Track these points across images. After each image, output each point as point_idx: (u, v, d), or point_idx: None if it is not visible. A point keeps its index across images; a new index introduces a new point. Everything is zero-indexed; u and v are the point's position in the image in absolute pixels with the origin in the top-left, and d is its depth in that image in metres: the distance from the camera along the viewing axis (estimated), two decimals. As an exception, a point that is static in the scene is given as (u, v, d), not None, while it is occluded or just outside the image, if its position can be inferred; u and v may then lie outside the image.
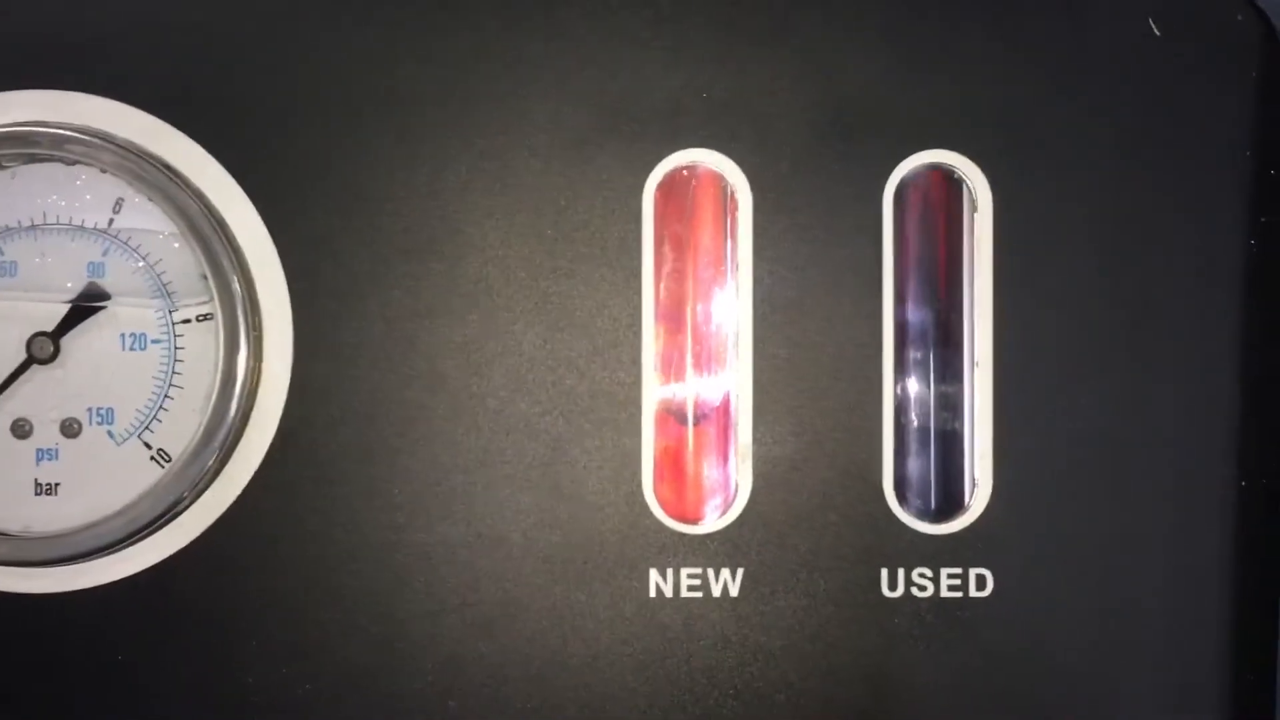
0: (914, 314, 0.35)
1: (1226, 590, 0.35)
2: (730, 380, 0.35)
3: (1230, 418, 0.35)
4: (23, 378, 0.34)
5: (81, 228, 0.35)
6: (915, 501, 0.35)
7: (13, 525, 0.34)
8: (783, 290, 0.35)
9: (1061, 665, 0.34)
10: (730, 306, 0.35)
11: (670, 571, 0.34)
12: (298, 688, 0.34)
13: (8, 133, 0.34)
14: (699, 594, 0.34)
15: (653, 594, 0.34)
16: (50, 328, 0.34)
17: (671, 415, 0.35)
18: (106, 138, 0.34)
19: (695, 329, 0.35)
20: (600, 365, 0.34)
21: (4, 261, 0.34)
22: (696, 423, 0.35)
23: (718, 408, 0.35)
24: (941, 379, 0.35)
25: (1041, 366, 0.34)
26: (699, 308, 0.35)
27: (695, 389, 0.35)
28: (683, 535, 0.34)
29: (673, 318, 0.35)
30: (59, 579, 0.34)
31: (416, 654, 0.34)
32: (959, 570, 0.34)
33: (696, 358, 0.35)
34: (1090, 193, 0.34)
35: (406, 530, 0.34)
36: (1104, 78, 0.35)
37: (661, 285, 0.35)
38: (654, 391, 0.35)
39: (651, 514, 0.34)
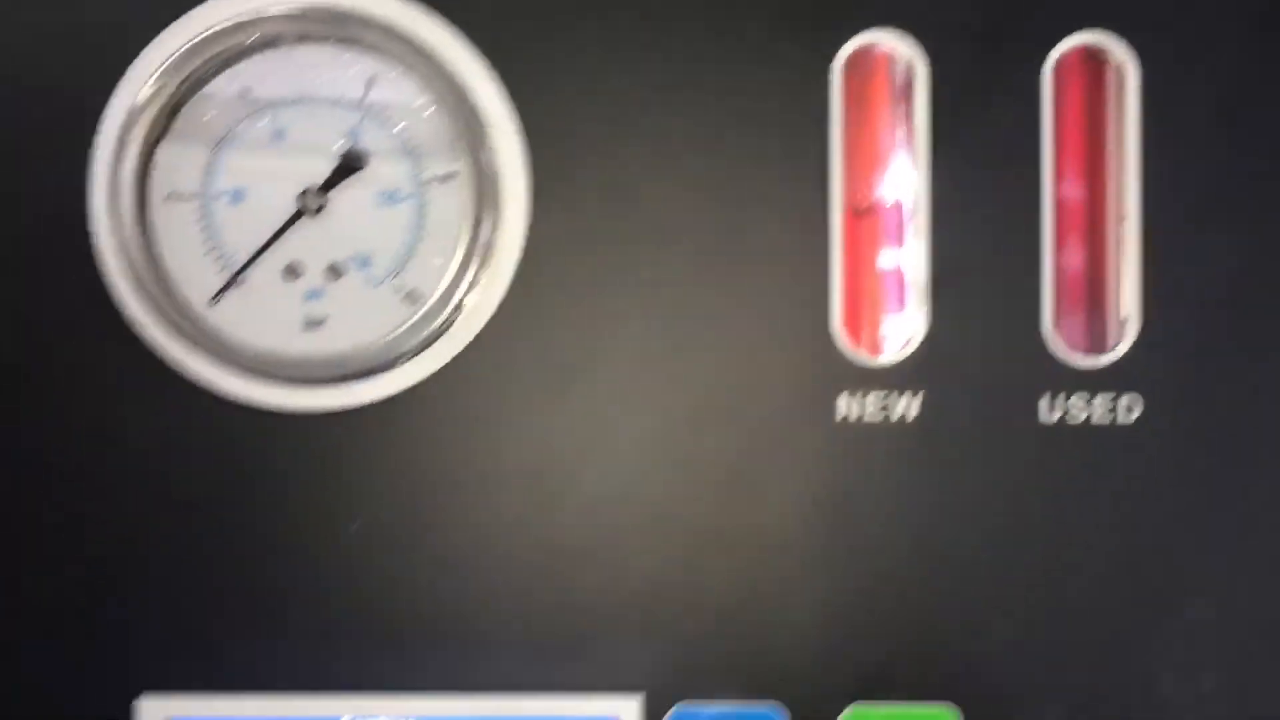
0: (1070, 182, 0.40)
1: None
2: (909, 244, 0.40)
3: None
4: (294, 228, 0.40)
5: (342, 99, 0.40)
6: (1071, 335, 0.40)
7: (289, 352, 0.40)
8: (959, 166, 0.40)
9: (1207, 490, 0.39)
10: (909, 178, 0.40)
11: (857, 397, 0.39)
12: (536, 500, 0.40)
13: (285, 13, 0.39)
14: (880, 419, 0.39)
15: (838, 419, 0.39)
16: (317, 185, 0.40)
17: (858, 259, 0.40)
18: (368, 19, 0.39)
19: (877, 199, 0.40)
20: (783, 229, 0.40)
21: (278, 127, 0.40)
22: (879, 273, 0.40)
23: (895, 260, 0.40)
24: (1096, 233, 0.40)
25: (1188, 223, 0.39)
26: (881, 182, 0.40)
27: (877, 250, 0.40)
28: (867, 365, 0.39)
29: (857, 187, 0.40)
30: (328, 397, 0.39)
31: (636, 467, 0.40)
32: (1112, 394, 0.39)
33: (879, 225, 0.40)
34: (1236, 67, 0.39)
35: (618, 351, 0.40)
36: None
37: (847, 161, 0.40)
38: (840, 254, 0.40)
39: (839, 346, 0.39)
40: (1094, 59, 0.40)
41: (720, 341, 0.39)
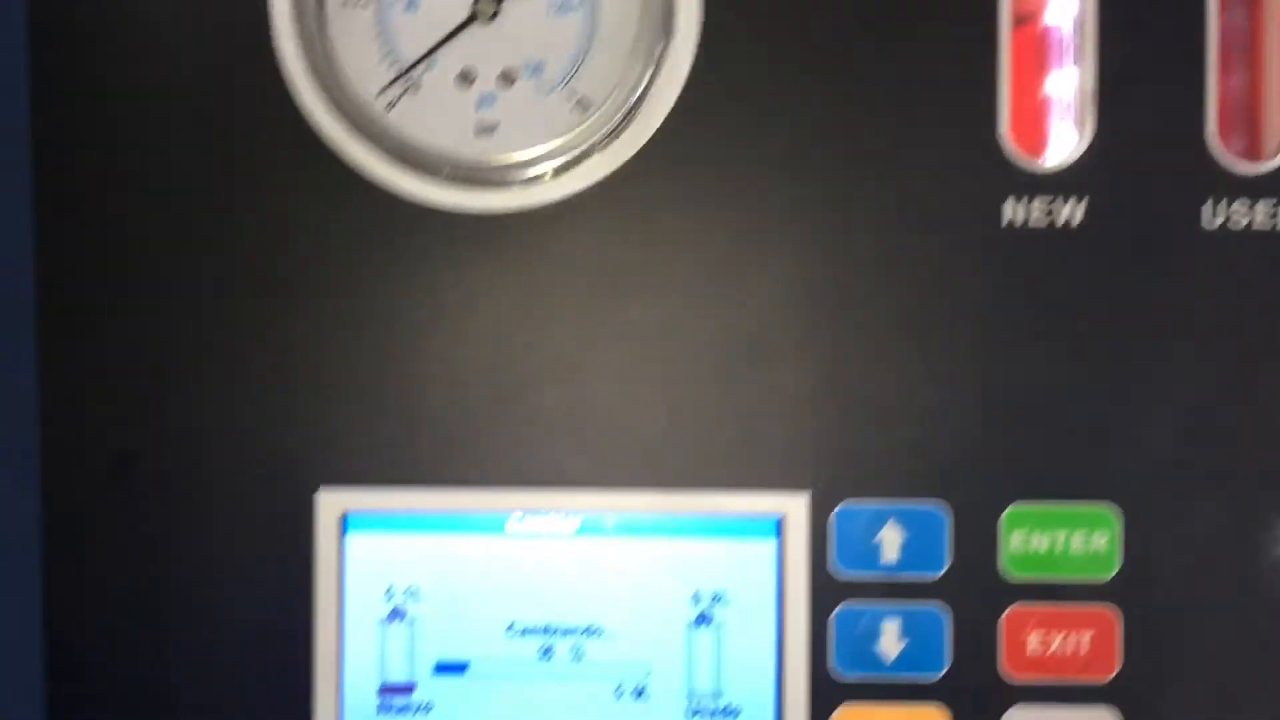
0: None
1: None
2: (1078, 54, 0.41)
3: None
4: (468, 32, 0.40)
5: (516, -90, 0.41)
6: (1235, 143, 0.40)
7: (464, 154, 0.40)
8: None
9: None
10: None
11: (1024, 201, 0.40)
12: (704, 299, 0.40)
13: None
14: (1045, 224, 0.40)
15: (1004, 224, 0.40)
16: (492, -10, 0.40)
17: (1030, 66, 0.41)
18: None
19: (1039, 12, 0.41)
20: (952, 37, 0.40)
21: (453, -65, 0.41)
22: (1053, 82, 0.41)
23: (1071, 64, 0.41)
24: (1258, 47, 0.41)
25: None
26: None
27: (1049, 55, 0.41)
28: (1033, 170, 0.40)
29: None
30: (500, 199, 0.40)
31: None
32: (1275, 199, 0.40)
33: (1046, 30, 0.41)
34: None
35: (794, 173, 0.40)
36: None
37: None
38: (1008, 61, 0.40)
39: (1008, 150, 0.40)
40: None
41: (891, 150, 0.40)
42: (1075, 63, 0.40)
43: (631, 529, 0.40)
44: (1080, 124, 0.40)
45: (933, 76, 0.40)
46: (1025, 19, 0.41)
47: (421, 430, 0.40)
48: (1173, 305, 0.40)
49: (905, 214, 0.40)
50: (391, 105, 0.40)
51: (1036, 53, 0.41)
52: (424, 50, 0.40)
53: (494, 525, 0.40)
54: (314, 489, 0.40)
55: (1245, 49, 0.41)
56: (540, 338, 0.40)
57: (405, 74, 0.40)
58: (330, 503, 0.40)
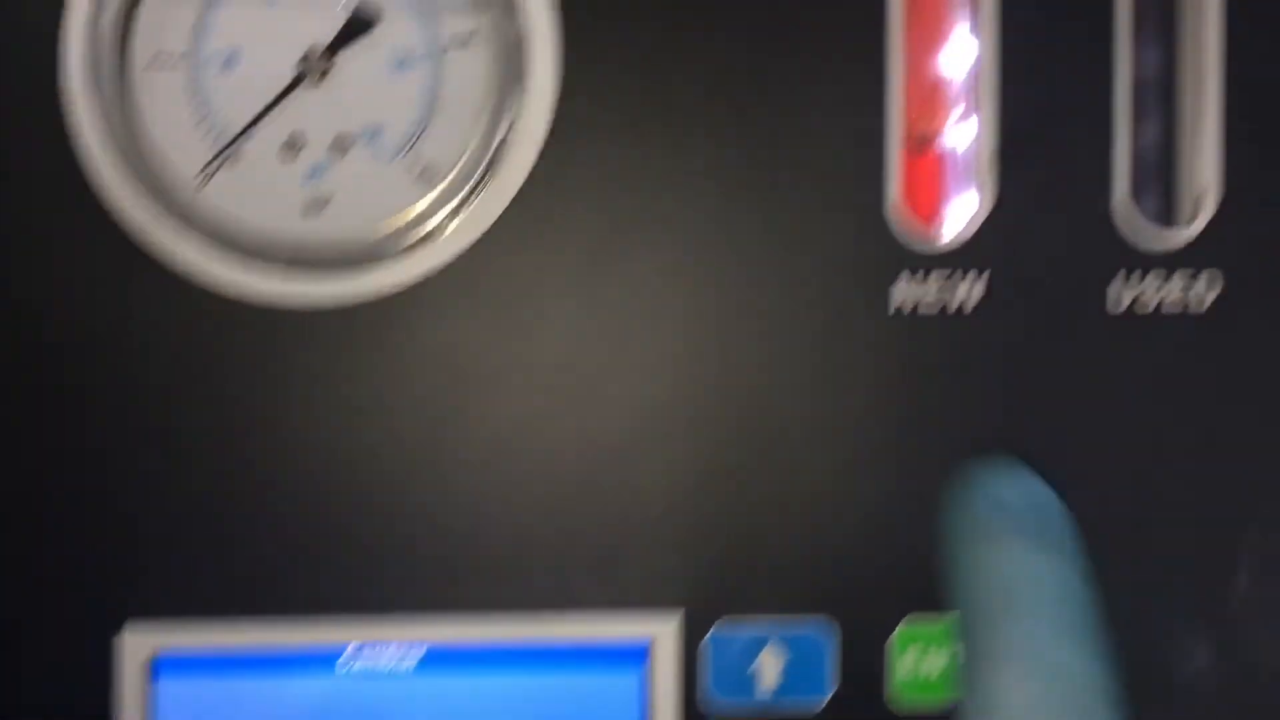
0: (1147, 50, 0.36)
1: None
2: (975, 113, 0.36)
3: None
4: (295, 94, 0.35)
5: (348, -46, 0.36)
6: (1147, 209, 0.36)
7: (288, 236, 0.35)
8: (1026, 31, 0.36)
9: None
10: (973, 47, 0.36)
11: (912, 283, 0.35)
12: (564, 400, 0.35)
13: None
14: (936, 311, 0.36)
15: (892, 312, 0.36)
16: (321, 47, 0.35)
17: (918, 139, 0.36)
18: None
19: (937, 73, 0.36)
20: (840, 95, 0.36)
21: (277, -17, 0.36)
22: (941, 148, 0.36)
23: (961, 130, 0.36)
24: (1171, 105, 0.36)
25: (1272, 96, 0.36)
26: (943, 48, 0.36)
27: (942, 117, 0.36)
28: (925, 249, 0.35)
29: (920, 56, 0.36)
30: (331, 287, 0.35)
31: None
32: (1190, 272, 0.35)
33: (944, 93, 0.36)
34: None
35: (662, 249, 0.35)
36: None
37: (906, 21, 0.36)
38: (901, 113, 0.36)
39: (896, 229, 0.35)
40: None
41: (768, 223, 0.35)
42: (973, 117, 0.36)
43: (478, 662, 0.35)
44: (979, 190, 0.36)
45: (816, 149, 0.36)
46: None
47: (239, 556, 0.35)
48: (1076, 393, 0.36)
49: (786, 295, 0.35)
50: (206, 180, 0.35)
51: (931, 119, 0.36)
52: (246, 118, 0.35)
53: (324, 664, 0.35)
54: (118, 627, 0.35)
55: (1161, 100, 0.37)
56: (378, 444, 0.35)
57: (227, 148, 0.35)
58: (137, 644, 0.35)
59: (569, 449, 0.35)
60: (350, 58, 0.35)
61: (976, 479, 0.33)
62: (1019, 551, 0.30)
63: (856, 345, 0.36)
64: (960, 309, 0.36)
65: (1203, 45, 0.36)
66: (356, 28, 0.35)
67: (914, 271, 0.35)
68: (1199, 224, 0.36)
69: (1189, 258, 0.36)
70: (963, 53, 0.36)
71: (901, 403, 0.36)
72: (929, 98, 0.36)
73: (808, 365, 0.36)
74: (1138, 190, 0.36)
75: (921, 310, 0.36)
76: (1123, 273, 0.36)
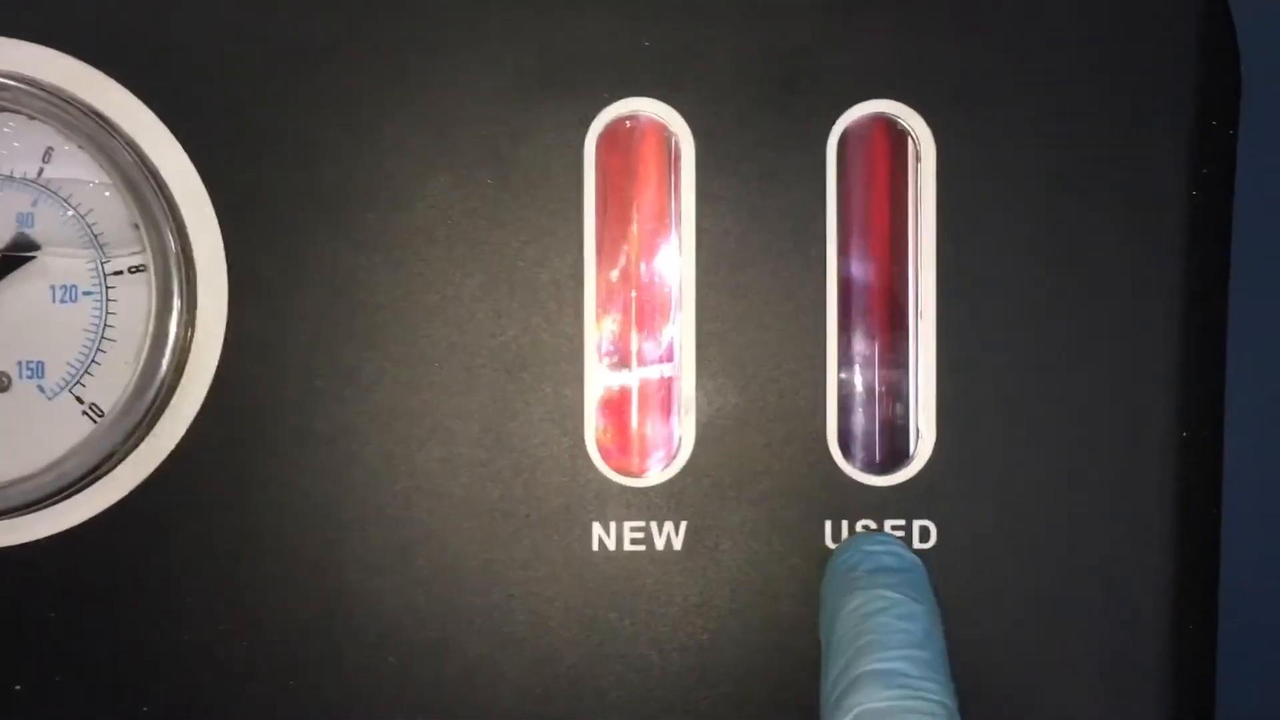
0: (858, 266, 0.35)
1: (1169, 540, 0.35)
2: (673, 332, 0.35)
3: (1170, 369, 0.35)
4: (-46, 328, 0.33)
5: (10, 177, 0.34)
6: (859, 453, 0.35)
7: (-57, 481, 0.33)
8: (726, 242, 0.34)
9: (1003, 614, 0.35)
10: (673, 258, 0.35)
11: (613, 525, 0.34)
12: (235, 643, 0.34)
13: (-66, 76, 0.33)
14: (642, 547, 0.34)
15: (595, 548, 0.34)
16: (-21, 278, 0.34)
17: (614, 368, 0.35)
18: (34, 83, 0.33)
19: (638, 281, 0.35)
20: (542, 317, 0.34)
21: (-70, 209, 0.34)
22: (639, 375, 0.35)
23: (661, 359, 0.35)
24: (885, 331, 0.35)
25: (985, 319, 0.34)
26: (642, 259, 0.35)
27: (638, 341, 0.35)
28: (625, 488, 0.34)
29: (615, 269, 0.35)
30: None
31: (356, 609, 0.34)
32: (903, 522, 0.34)
33: (639, 310, 0.35)
34: (1032, 144, 0.34)
35: (345, 485, 0.34)
36: (1045, 30, 0.34)
37: (604, 236, 0.35)
38: (596, 344, 0.34)
39: (594, 467, 0.34)
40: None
41: (460, 454, 0.34)
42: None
43: None
44: (679, 442, 0.35)
45: (511, 371, 0.34)
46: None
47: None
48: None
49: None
50: None
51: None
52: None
53: None
54: None
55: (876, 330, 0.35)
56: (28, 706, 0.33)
57: None
58: None
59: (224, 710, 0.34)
60: (11, 289, 0.34)
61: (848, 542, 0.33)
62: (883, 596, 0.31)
63: (563, 580, 0.34)
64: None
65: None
66: (14, 258, 0.33)
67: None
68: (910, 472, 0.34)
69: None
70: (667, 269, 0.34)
71: (607, 633, 0.34)
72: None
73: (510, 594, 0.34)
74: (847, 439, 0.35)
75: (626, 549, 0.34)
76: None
